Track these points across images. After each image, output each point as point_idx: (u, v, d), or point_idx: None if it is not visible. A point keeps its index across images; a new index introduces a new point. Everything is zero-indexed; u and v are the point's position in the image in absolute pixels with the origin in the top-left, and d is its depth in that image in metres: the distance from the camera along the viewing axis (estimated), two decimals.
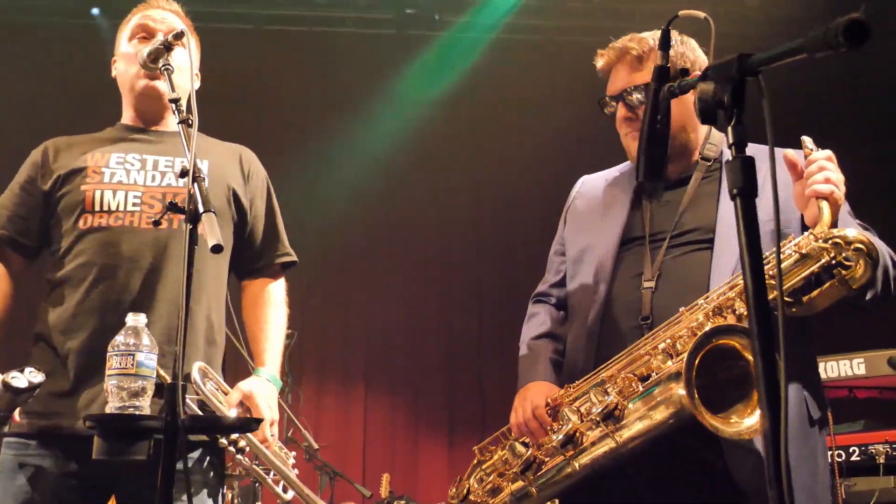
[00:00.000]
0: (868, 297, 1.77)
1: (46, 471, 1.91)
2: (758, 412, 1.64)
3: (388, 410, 6.84)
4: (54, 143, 2.20)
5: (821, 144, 1.80)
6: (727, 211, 1.90)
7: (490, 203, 7.14)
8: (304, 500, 2.08)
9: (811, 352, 1.91)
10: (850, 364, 3.25)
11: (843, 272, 1.70)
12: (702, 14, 1.67)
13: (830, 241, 1.69)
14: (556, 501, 1.96)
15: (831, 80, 6.10)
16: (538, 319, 2.17)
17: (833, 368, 3.28)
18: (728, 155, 2.00)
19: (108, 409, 1.56)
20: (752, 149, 2.03)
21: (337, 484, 5.34)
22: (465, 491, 2.04)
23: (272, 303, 2.29)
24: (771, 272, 1.67)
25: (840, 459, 3.05)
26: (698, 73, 1.92)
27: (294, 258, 2.35)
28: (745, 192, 1.27)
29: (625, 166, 2.20)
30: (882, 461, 3.00)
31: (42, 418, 1.96)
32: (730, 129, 1.30)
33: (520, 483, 1.92)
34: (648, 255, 1.96)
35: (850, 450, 3.07)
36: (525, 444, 1.95)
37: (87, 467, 1.90)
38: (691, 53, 2.06)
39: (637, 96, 2.01)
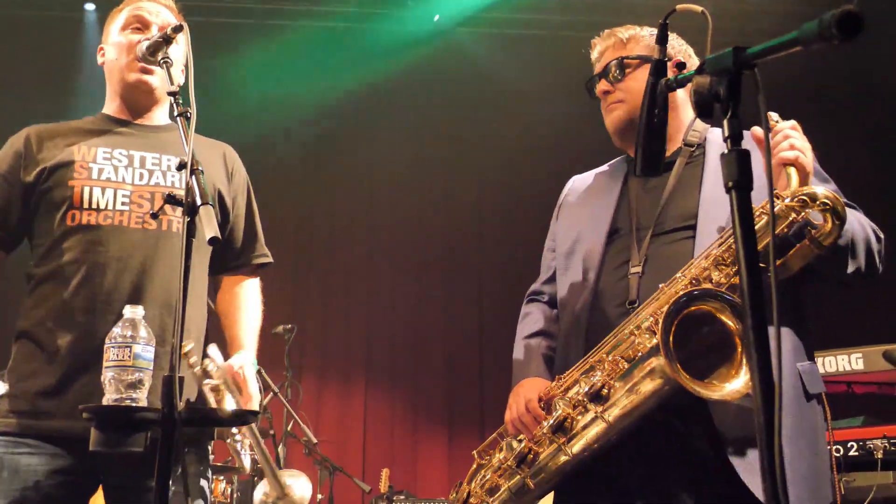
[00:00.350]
0: (850, 270, 1.79)
1: (35, 468, 1.90)
2: (741, 375, 1.68)
3: (388, 406, 6.86)
4: (36, 132, 2.15)
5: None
6: (709, 196, 1.94)
7: (493, 201, 7.16)
8: (267, 466, 2.06)
9: (806, 330, 1.92)
10: (847, 359, 3.24)
11: (813, 231, 1.72)
12: (699, 8, 1.67)
13: (797, 199, 1.71)
14: (552, 495, 1.97)
15: (830, 75, 6.10)
16: (531, 318, 2.20)
17: (831, 363, 3.28)
18: (712, 140, 2.05)
19: (105, 401, 1.57)
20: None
21: (336, 478, 5.35)
22: (465, 495, 2.05)
23: (249, 295, 2.30)
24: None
25: (838, 454, 3.05)
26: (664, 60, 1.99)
27: (270, 259, 2.35)
28: (741, 185, 1.27)
29: (613, 162, 2.26)
30: (880, 456, 2.99)
31: (29, 417, 1.94)
32: (726, 122, 1.30)
33: (517, 477, 1.93)
34: (635, 243, 1.99)
35: (849, 445, 3.06)
36: (521, 441, 1.96)
37: (77, 463, 1.91)
38: (678, 44, 2.12)
39: (615, 71, 2.09)
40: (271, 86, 6.75)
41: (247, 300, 2.29)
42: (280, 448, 4.86)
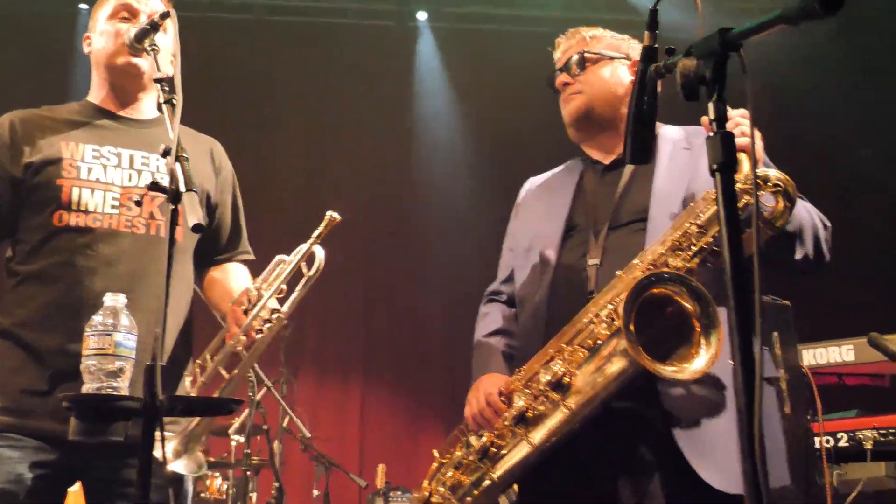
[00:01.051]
0: (798, 256, 1.84)
1: (17, 461, 1.87)
2: (701, 354, 1.72)
3: (386, 402, 6.84)
4: (20, 120, 2.08)
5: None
6: (660, 189, 1.97)
7: (494, 198, 7.11)
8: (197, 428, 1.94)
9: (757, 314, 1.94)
10: (838, 350, 3.23)
11: (765, 213, 1.76)
12: None
13: (750, 182, 1.73)
14: (515, 488, 1.96)
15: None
16: (490, 318, 2.22)
17: (822, 355, 3.25)
18: (664, 135, 2.06)
19: (85, 390, 1.53)
20: (677, 130, 2.08)
21: (333, 474, 5.32)
22: (426, 494, 2.03)
23: (236, 269, 2.28)
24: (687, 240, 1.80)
25: (829, 445, 3.04)
26: (625, 60, 2.12)
27: (252, 256, 2.33)
28: (725, 167, 1.27)
29: (568, 162, 2.28)
30: (870, 447, 2.98)
31: (14, 415, 1.91)
32: (711, 104, 1.29)
33: (479, 472, 1.91)
34: (592, 237, 2.01)
35: (838, 436, 3.05)
36: (482, 436, 1.95)
37: (59, 457, 1.88)
38: (625, 44, 2.17)
39: (576, 64, 2.13)
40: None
41: (235, 271, 2.26)
42: (276, 444, 4.83)
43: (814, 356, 3.25)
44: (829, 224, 1.93)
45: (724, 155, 1.27)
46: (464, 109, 6.96)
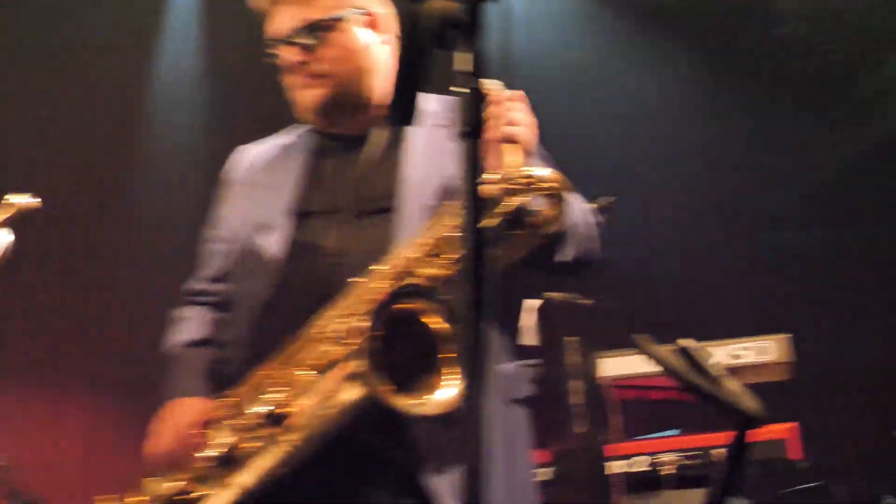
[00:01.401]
0: (564, 258, 1.87)
1: None
2: (451, 385, 1.71)
3: (117, 418, 6.61)
4: None
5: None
6: (412, 173, 1.98)
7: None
8: None
9: (509, 326, 2.01)
10: (641, 359, 3.28)
11: (533, 218, 1.78)
12: None
13: (516, 182, 1.76)
14: None
15: None
16: (189, 324, 2.14)
17: (624, 365, 3.34)
18: (421, 110, 2.02)
19: None
20: (435, 102, 2.08)
21: None
22: None
23: None
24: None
25: (622, 472, 3.12)
26: (361, 14, 2.08)
27: None
28: (474, 133, 1.28)
29: (296, 129, 2.22)
30: (669, 472, 3.07)
31: None
32: (459, 55, 1.30)
33: None
34: (328, 227, 1.98)
35: (632, 460, 3.12)
36: (173, 480, 1.88)
37: None
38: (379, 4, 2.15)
39: (306, 35, 2.04)
40: None
41: None
42: None
43: (613, 366, 3.35)
44: (600, 218, 2.00)
45: (475, 119, 1.28)
46: (220, 63, 6.84)
